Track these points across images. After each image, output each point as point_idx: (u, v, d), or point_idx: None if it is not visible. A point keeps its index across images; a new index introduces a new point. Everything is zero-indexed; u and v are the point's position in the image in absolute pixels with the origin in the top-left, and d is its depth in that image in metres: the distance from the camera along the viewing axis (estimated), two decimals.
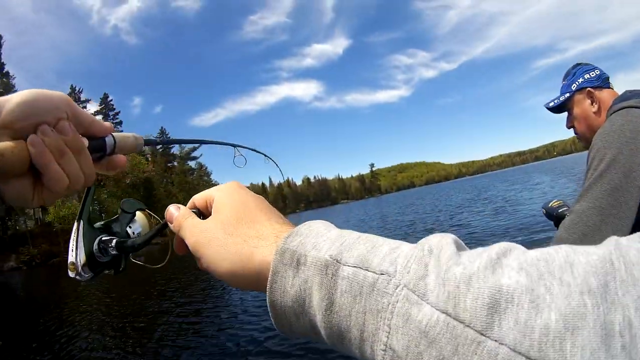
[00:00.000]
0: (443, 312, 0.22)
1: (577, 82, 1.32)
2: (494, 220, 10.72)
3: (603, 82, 1.29)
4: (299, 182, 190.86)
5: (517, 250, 0.24)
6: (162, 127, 72.05)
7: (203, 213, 0.40)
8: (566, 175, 25.51)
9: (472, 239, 8.38)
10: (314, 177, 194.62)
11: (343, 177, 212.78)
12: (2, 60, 43.33)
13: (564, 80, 1.38)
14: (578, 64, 1.36)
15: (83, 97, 60.28)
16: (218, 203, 0.38)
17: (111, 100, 62.85)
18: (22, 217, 43.33)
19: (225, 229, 0.35)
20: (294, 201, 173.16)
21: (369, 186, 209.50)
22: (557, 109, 1.41)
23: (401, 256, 0.26)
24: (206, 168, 74.46)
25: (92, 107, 58.83)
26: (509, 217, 10.76)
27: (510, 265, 0.22)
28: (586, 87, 1.29)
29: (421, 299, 0.23)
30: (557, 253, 0.22)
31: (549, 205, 1.50)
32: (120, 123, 59.45)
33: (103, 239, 0.42)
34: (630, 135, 1.01)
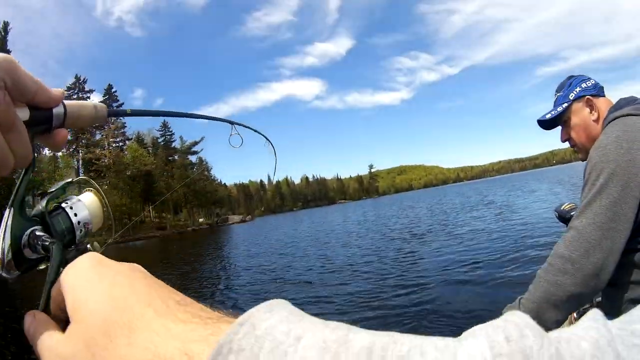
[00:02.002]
0: None
1: (574, 92, 1.29)
2: (496, 224, 10.84)
3: (599, 91, 1.28)
4: (297, 181, 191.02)
5: None
6: (164, 121, 71.78)
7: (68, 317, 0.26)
8: (564, 184, 25.66)
9: (477, 242, 8.53)
10: (313, 176, 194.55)
11: (342, 177, 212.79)
12: (7, 48, 43.19)
13: (558, 92, 1.35)
14: (571, 76, 1.35)
15: (87, 87, 60.51)
16: (75, 301, 0.24)
17: (115, 91, 62.99)
18: None
19: (91, 351, 0.21)
20: (291, 199, 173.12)
21: (367, 187, 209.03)
22: (549, 124, 1.36)
23: None
24: (207, 163, 74.66)
25: (96, 98, 58.92)
26: (509, 222, 10.88)
27: None
28: (584, 95, 1.27)
29: None
30: None
31: (561, 208, 1.52)
32: None
33: (36, 233, 0.35)
34: (626, 146, 1.02)
